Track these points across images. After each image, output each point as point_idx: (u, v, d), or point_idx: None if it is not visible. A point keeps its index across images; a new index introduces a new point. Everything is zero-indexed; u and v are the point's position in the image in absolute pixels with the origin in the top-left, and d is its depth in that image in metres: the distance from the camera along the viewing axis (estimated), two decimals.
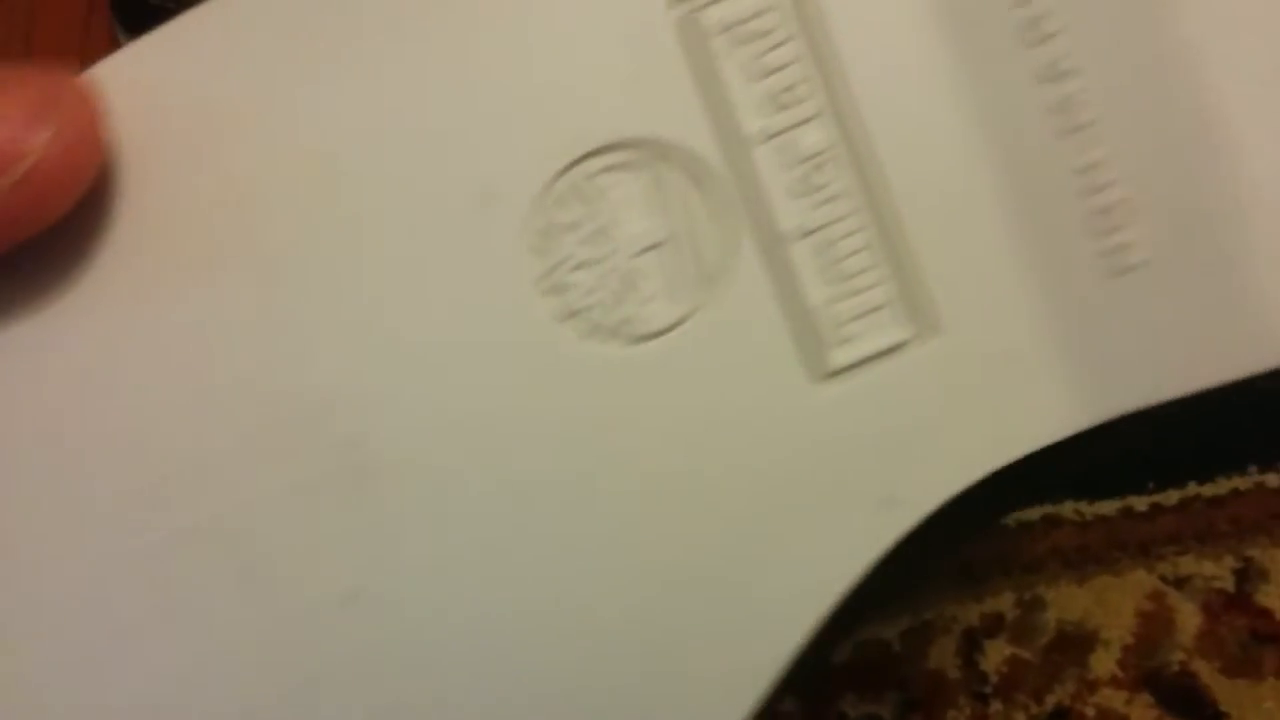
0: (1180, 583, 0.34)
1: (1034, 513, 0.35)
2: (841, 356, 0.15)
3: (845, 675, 0.33)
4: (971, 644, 0.33)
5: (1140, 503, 0.35)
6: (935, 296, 0.14)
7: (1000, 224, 0.14)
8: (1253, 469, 0.35)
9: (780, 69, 0.14)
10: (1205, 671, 0.33)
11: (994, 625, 0.33)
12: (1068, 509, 0.35)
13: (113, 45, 0.37)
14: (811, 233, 0.14)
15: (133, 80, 0.14)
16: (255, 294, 0.14)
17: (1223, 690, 0.32)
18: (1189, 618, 0.33)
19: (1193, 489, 0.35)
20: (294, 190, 0.14)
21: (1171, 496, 0.35)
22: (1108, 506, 0.35)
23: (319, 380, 0.14)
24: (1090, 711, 0.32)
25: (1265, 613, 0.33)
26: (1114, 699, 0.32)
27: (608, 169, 0.14)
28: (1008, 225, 0.14)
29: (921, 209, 0.14)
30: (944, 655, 0.33)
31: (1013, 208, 0.14)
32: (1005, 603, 0.34)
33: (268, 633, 0.14)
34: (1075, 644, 0.33)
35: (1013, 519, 0.35)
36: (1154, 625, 0.33)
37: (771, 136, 0.14)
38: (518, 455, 0.14)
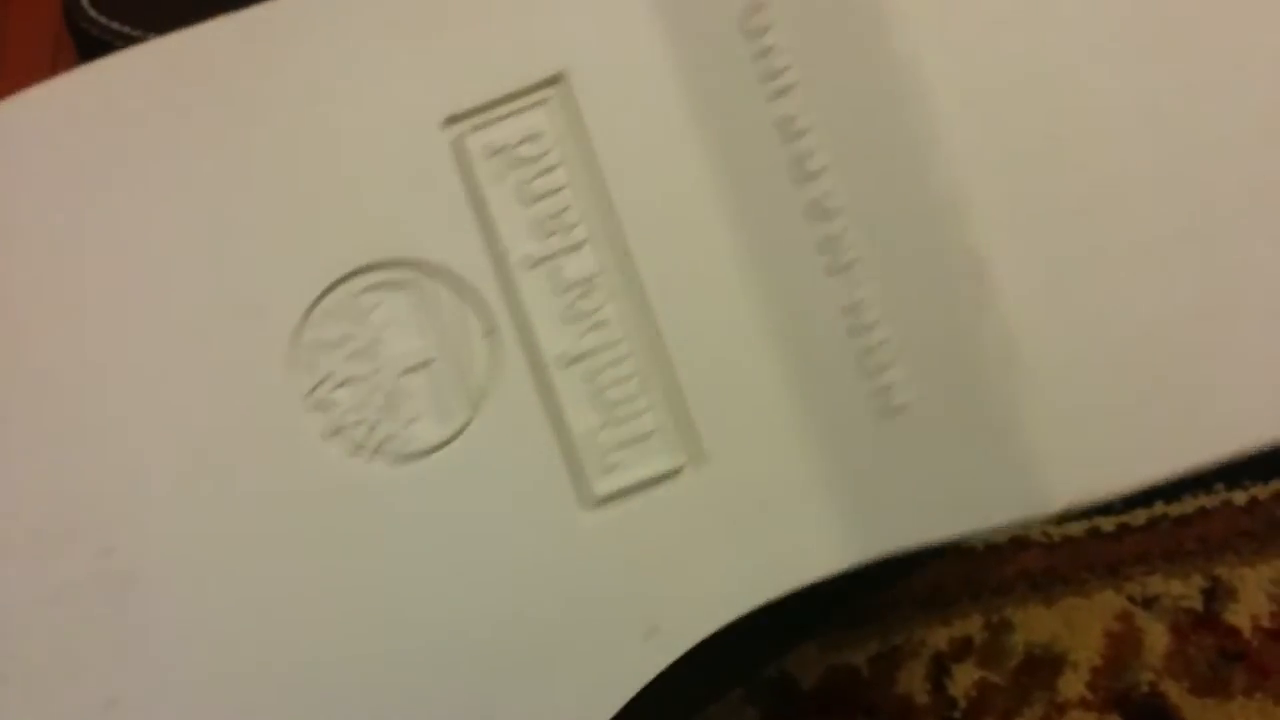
0: (1148, 603, 0.34)
1: (1001, 534, 0.35)
2: (607, 484, 0.15)
3: (814, 701, 0.33)
4: (940, 668, 0.33)
5: (1108, 523, 0.35)
6: (701, 428, 0.14)
7: (769, 358, 0.14)
8: (1219, 487, 0.35)
9: (549, 195, 0.14)
10: (1174, 691, 0.33)
11: (962, 649, 0.33)
12: (1035, 530, 0.35)
13: None
14: (578, 359, 0.14)
15: None
16: (23, 403, 0.14)
17: (1192, 710, 0.32)
18: (1157, 638, 0.33)
19: (1160, 508, 0.35)
20: (66, 300, 0.14)
21: (1139, 516, 0.35)
22: (1075, 527, 0.35)
23: (77, 490, 0.14)
24: None
25: (1233, 631, 0.33)
26: None
27: (374, 287, 0.14)
28: (777, 359, 0.14)
29: (688, 340, 0.14)
30: (913, 680, 0.33)
31: (782, 342, 0.14)
32: (973, 626, 0.34)
33: None
34: (1044, 666, 0.33)
35: (979, 541, 0.35)
36: (1122, 646, 0.33)
37: (540, 261, 0.14)
38: (272, 569, 0.14)
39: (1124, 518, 0.35)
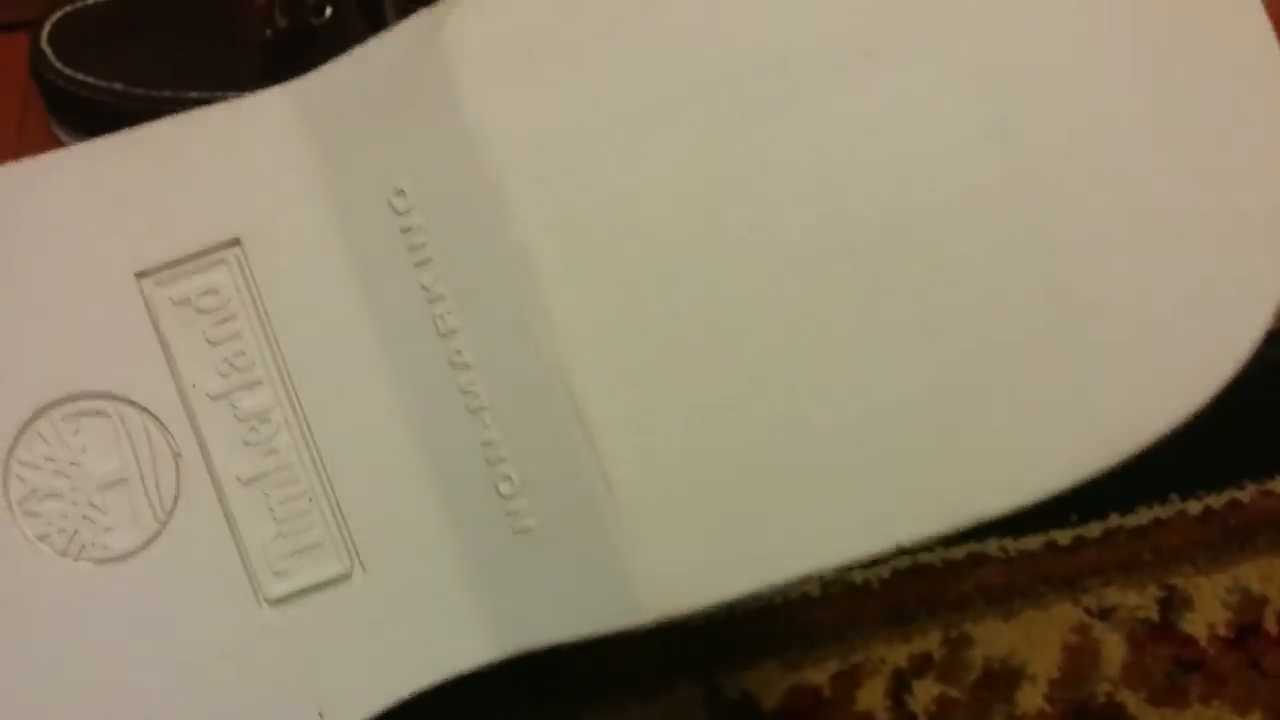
0: (1105, 614, 0.34)
1: (959, 551, 0.35)
2: (280, 587, 0.17)
3: None
4: (900, 684, 0.34)
5: (1064, 536, 0.35)
6: (360, 540, 0.17)
7: (419, 482, 0.17)
8: (1174, 497, 0.36)
9: (229, 340, 0.16)
10: (1132, 702, 0.33)
11: (922, 665, 0.34)
12: (992, 545, 0.35)
13: (50, 140, 0.38)
14: (254, 480, 0.17)
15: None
16: None
17: (1149, 719, 0.33)
18: (1114, 649, 0.34)
19: (1115, 520, 0.35)
20: None
21: (1094, 529, 0.35)
22: (1032, 541, 0.35)
23: None
24: None
25: (1189, 640, 0.34)
26: None
27: (75, 415, 0.16)
28: (425, 484, 0.17)
29: (348, 466, 0.17)
30: (874, 697, 0.34)
31: (429, 469, 0.17)
32: (933, 642, 0.34)
33: None
34: (1002, 680, 0.34)
35: (938, 558, 0.35)
36: (1080, 658, 0.34)
37: (220, 396, 0.17)
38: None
39: (1080, 530, 0.35)
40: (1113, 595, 0.35)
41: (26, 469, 0.16)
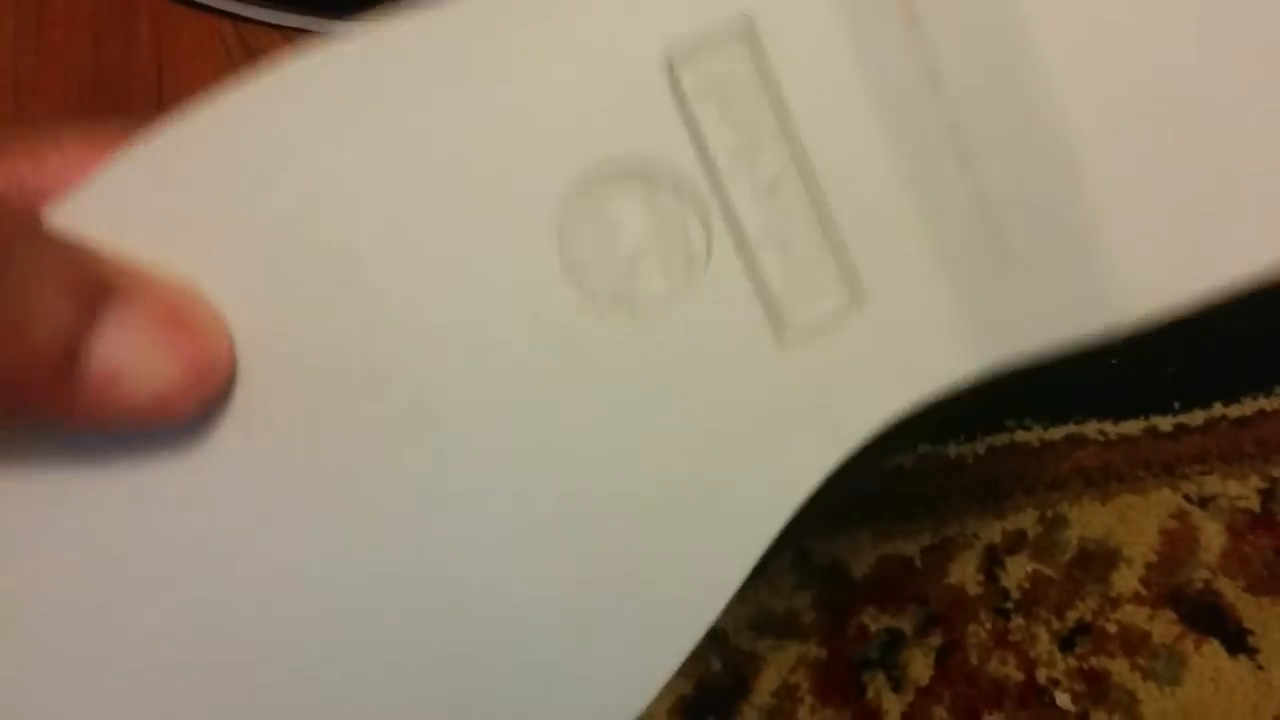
0: (1205, 502, 0.34)
1: (1057, 432, 0.34)
2: (798, 323, 0.19)
3: (866, 589, 0.33)
4: (993, 560, 0.33)
5: (1165, 423, 0.34)
6: (864, 279, 0.19)
7: (914, 224, 0.19)
8: (1279, 390, 0.35)
9: (744, 110, 0.18)
10: (1229, 589, 0.32)
11: (1016, 542, 0.33)
12: (1091, 429, 0.34)
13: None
14: (771, 231, 0.19)
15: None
16: (334, 275, 0.18)
17: (1247, 607, 0.32)
18: (1213, 536, 0.33)
19: (1218, 409, 0.35)
20: (367, 207, 0.18)
21: (1197, 417, 0.35)
22: (1132, 426, 0.34)
23: (389, 350, 0.18)
24: (1112, 627, 0.32)
25: None
26: (1136, 615, 0.32)
27: (614, 182, 0.18)
28: (920, 225, 0.19)
29: (852, 215, 0.19)
30: (965, 571, 0.33)
31: (924, 212, 0.19)
32: (1027, 520, 0.34)
33: (350, 542, 0.18)
34: (1098, 561, 0.33)
35: (1035, 437, 0.34)
36: (1178, 543, 0.33)
37: (739, 158, 0.18)
38: (546, 407, 0.18)
39: (1182, 418, 0.34)
40: (1213, 484, 0.34)
41: (574, 232, 0.18)
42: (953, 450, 0.34)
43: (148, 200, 0.17)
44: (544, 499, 0.19)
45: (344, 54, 0.18)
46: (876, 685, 0.32)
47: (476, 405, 0.18)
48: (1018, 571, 0.33)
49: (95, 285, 0.15)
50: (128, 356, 0.15)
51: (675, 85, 0.18)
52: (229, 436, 0.18)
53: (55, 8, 0.38)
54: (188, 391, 0.16)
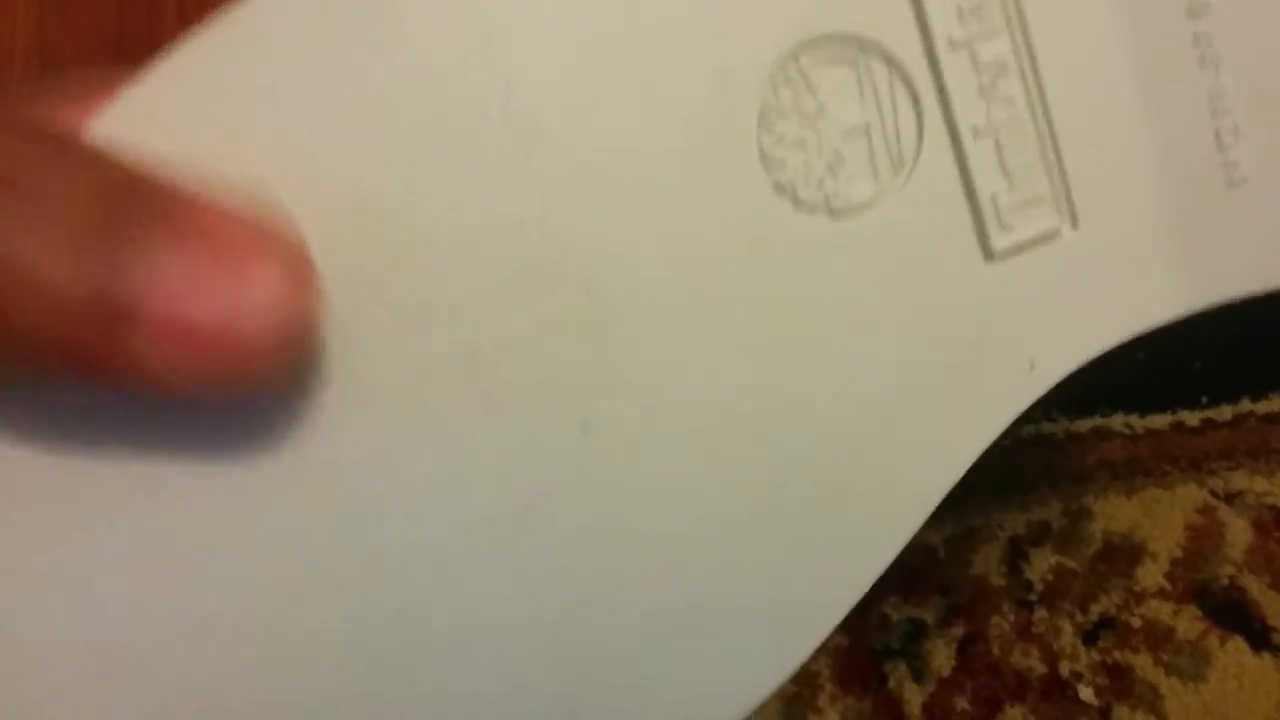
0: (1231, 498, 0.33)
1: (1083, 425, 0.34)
2: (1005, 239, 0.17)
3: (889, 578, 0.32)
4: (1017, 552, 0.33)
5: (1192, 418, 0.34)
6: (1078, 197, 0.17)
7: (1139, 137, 0.17)
8: None
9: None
10: (1254, 586, 0.32)
11: (1040, 534, 0.33)
12: (1117, 422, 0.34)
13: None
14: (987, 132, 0.17)
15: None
16: (517, 147, 0.15)
17: (1271, 604, 0.32)
18: (1239, 533, 0.33)
19: (1246, 405, 0.34)
20: (550, 63, 0.16)
21: (1225, 412, 0.34)
22: (1159, 420, 0.34)
23: (564, 232, 0.16)
24: (1136, 622, 0.32)
25: None
26: (1161, 610, 0.32)
27: (823, 61, 0.16)
28: (1145, 138, 0.17)
29: (1074, 121, 0.17)
30: (989, 562, 0.33)
31: (1151, 122, 0.17)
32: (1052, 512, 0.33)
33: (510, 450, 0.16)
34: (1122, 555, 0.33)
35: (1061, 429, 0.34)
36: (1203, 539, 0.33)
37: (960, 45, 0.17)
38: (731, 308, 0.16)
39: (1209, 413, 0.34)
40: (1240, 480, 0.33)
41: (773, 117, 0.16)
42: None
43: (207, 98, 0.14)
44: (724, 410, 0.17)
45: None
46: (898, 675, 0.32)
47: (658, 298, 0.16)
48: (1041, 564, 0.33)
49: (134, 202, 0.12)
50: (186, 282, 0.12)
51: None
52: (372, 328, 0.15)
53: None
54: (268, 320, 0.12)
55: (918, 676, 0.31)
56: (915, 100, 0.17)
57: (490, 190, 0.15)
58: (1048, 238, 0.17)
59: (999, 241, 0.17)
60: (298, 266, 0.13)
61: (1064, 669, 0.31)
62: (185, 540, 0.15)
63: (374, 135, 0.15)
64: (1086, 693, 0.31)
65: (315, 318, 0.14)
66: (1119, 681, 0.31)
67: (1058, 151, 0.17)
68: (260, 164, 0.14)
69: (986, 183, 0.17)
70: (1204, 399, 0.34)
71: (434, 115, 0.15)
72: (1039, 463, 0.34)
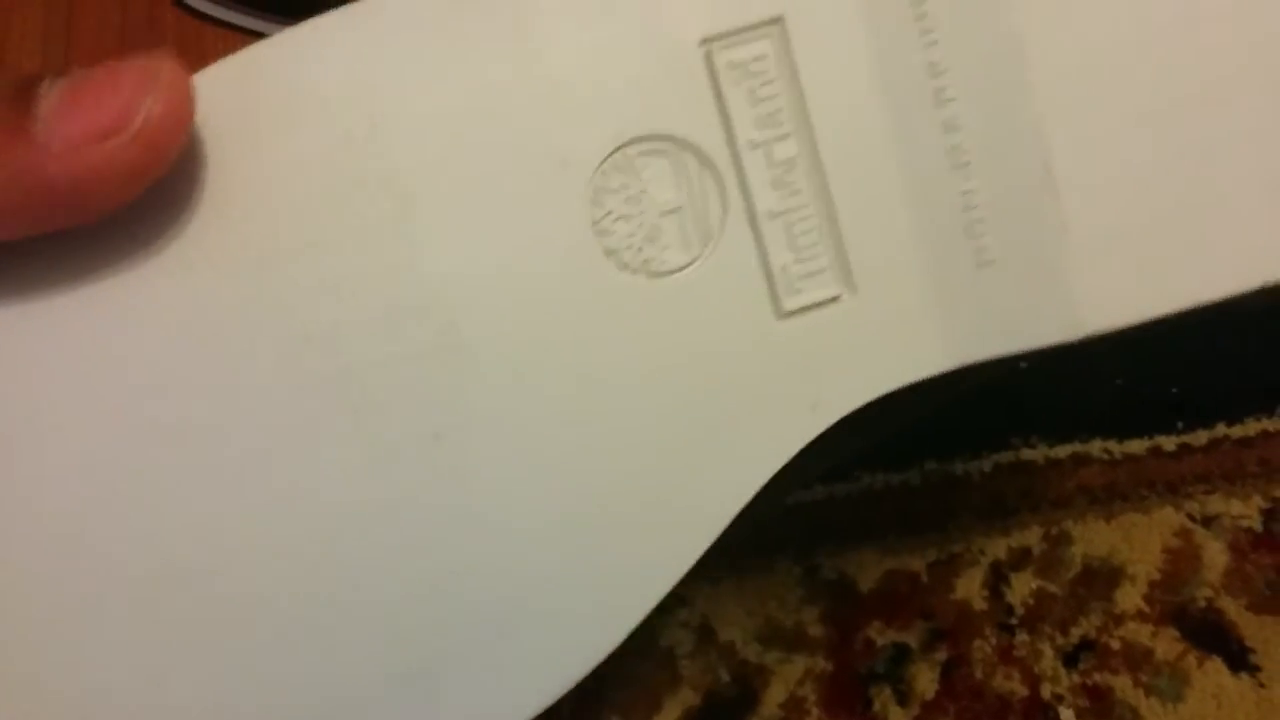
0: (1208, 521, 0.34)
1: (1062, 450, 0.35)
2: (793, 302, 0.21)
3: (873, 604, 0.33)
4: (998, 576, 0.34)
5: (1169, 443, 0.35)
6: (855, 269, 0.21)
7: (904, 224, 0.21)
8: None
9: (768, 99, 0.20)
10: (1232, 608, 0.33)
11: (1021, 559, 0.34)
12: (1096, 447, 0.35)
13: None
14: (779, 215, 0.20)
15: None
16: (395, 209, 0.19)
17: (1249, 626, 0.33)
18: (1216, 555, 0.33)
19: (1222, 430, 0.35)
20: (425, 145, 0.20)
21: (1200, 437, 0.35)
22: (1137, 445, 0.35)
23: (431, 279, 0.20)
24: (1116, 644, 0.32)
25: None
26: (1140, 632, 0.33)
27: (646, 153, 0.20)
28: (910, 225, 0.21)
29: (851, 209, 0.21)
30: (971, 586, 0.33)
31: (914, 212, 0.21)
32: (1032, 537, 0.34)
33: (373, 454, 0.20)
34: (1102, 578, 0.33)
35: (1041, 455, 0.35)
36: (1181, 562, 0.33)
37: (759, 146, 0.20)
38: (561, 349, 0.20)
39: (1185, 438, 0.35)
40: (1216, 503, 0.34)
41: (604, 195, 0.20)
42: (959, 467, 0.35)
43: (235, 108, 0.19)
44: (553, 430, 0.20)
45: None
46: (883, 699, 0.32)
47: (504, 335, 0.20)
48: (1022, 588, 0.33)
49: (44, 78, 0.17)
50: (90, 109, 0.17)
51: (710, 67, 0.20)
52: (262, 351, 0.19)
53: None
54: (161, 131, 0.17)
55: (902, 700, 0.32)
56: (721, 188, 0.20)
57: (370, 243, 0.19)
58: (830, 301, 0.21)
59: (789, 303, 0.21)
60: (175, 85, 0.17)
61: (1045, 691, 0.32)
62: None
63: (315, 175, 0.19)
64: (1068, 714, 0.32)
65: (188, 119, 0.18)
66: (1099, 703, 0.32)
67: (837, 233, 0.21)
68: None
69: (778, 256, 0.20)
70: (1180, 424, 0.35)
71: (335, 188, 0.19)
72: (1019, 488, 0.35)
